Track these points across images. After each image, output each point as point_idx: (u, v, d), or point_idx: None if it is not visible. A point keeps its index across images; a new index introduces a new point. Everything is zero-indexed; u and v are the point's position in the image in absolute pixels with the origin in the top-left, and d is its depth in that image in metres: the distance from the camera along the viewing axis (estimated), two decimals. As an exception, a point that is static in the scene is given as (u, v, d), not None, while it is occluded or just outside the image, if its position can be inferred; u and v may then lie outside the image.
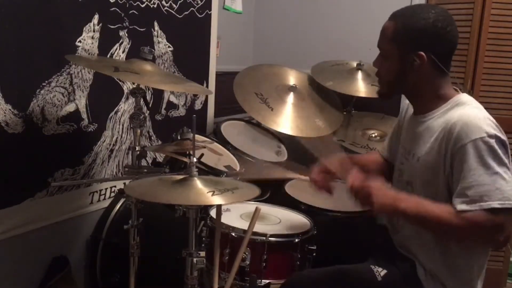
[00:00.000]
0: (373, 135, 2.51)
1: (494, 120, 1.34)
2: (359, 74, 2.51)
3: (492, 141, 1.27)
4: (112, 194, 2.09)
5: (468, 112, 1.35)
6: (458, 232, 1.32)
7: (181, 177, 1.30)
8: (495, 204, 1.24)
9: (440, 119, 1.39)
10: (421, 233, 1.42)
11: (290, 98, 2.44)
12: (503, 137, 1.31)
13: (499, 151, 1.27)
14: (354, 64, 2.55)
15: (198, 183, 1.25)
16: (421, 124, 1.45)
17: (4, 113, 1.61)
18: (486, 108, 1.39)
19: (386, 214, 1.44)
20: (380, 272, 1.44)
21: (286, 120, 2.36)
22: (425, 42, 1.37)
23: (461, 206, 1.27)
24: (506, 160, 1.28)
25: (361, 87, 2.45)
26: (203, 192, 1.22)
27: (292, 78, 2.55)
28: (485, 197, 1.25)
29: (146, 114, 2.15)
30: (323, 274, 1.50)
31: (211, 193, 1.20)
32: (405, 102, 2.86)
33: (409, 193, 1.43)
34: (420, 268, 1.44)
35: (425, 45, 1.37)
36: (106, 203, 2.05)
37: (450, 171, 1.33)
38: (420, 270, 1.43)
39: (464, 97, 1.42)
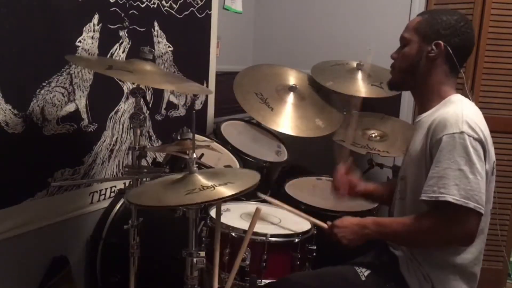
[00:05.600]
0: (373, 135, 2.50)
1: (477, 121, 1.35)
2: (359, 74, 2.51)
3: (465, 139, 1.30)
4: (112, 194, 2.09)
5: (450, 109, 1.39)
6: (417, 236, 1.38)
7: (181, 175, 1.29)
8: (450, 199, 1.28)
9: (431, 116, 1.43)
10: None
11: (290, 98, 2.44)
12: (481, 137, 1.32)
13: (470, 150, 1.30)
14: (354, 64, 2.55)
15: (199, 178, 1.24)
16: (417, 123, 1.51)
17: (4, 113, 1.61)
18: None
19: (358, 244, 1.49)
20: (364, 272, 1.47)
21: (286, 120, 2.36)
22: (445, 33, 1.43)
23: (421, 197, 1.33)
24: (475, 160, 1.30)
25: (361, 87, 2.45)
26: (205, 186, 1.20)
27: (292, 78, 2.55)
28: (443, 189, 1.29)
29: (146, 114, 2.15)
30: (308, 277, 1.53)
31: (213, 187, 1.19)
32: (405, 102, 2.85)
33: (402, 189, 1.51)
34: (403, 263, 1.45)
35: (444, 36, 1.43)
36: (106, 203, 2.05)
37: (430, 165, 1.36)
38: (403, 266, 1.45)
39: (456, 96, 1.46)
